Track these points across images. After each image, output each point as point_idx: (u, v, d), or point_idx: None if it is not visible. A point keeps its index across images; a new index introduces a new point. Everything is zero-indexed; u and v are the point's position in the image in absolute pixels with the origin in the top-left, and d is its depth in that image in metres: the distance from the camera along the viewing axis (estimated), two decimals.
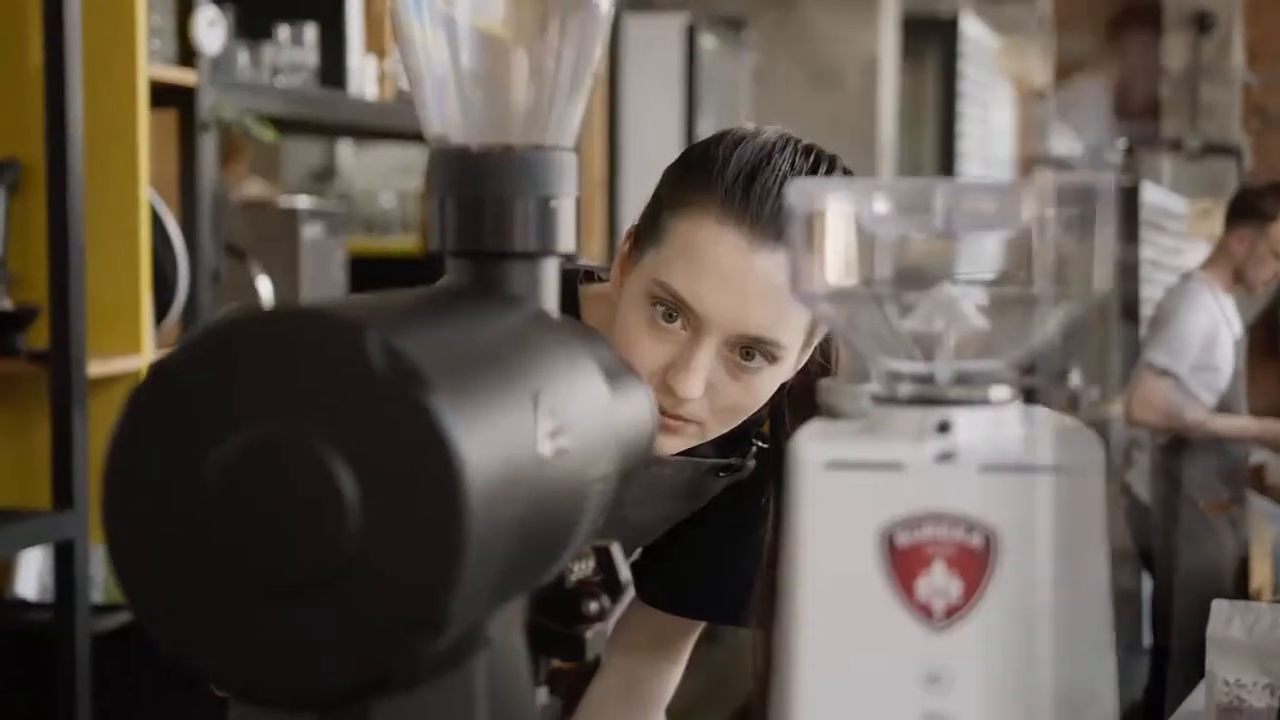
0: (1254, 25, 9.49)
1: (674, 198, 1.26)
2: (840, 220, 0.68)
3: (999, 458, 0.65)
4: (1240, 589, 4.40)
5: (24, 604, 2.79)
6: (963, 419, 0.66)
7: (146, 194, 2.52)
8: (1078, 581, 0.66)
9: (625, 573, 0.84)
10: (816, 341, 1.31)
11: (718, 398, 1.25)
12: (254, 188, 4.65)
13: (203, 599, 0.60)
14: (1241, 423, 4.50)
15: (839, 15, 5.76)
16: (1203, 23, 9.03)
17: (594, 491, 0.72)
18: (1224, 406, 4.45)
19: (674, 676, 1.52)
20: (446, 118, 0.77)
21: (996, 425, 0.67)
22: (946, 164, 7.62)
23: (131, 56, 2.49)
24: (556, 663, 0.86)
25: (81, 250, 2.36)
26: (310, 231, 3.10)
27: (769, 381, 1.27)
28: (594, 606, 0.84)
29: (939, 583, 0.66)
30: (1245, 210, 4.44)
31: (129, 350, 2.53)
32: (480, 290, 0.75)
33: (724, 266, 1.22)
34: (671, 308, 1.23)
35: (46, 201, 2.36)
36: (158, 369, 0.61)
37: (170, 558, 0.61)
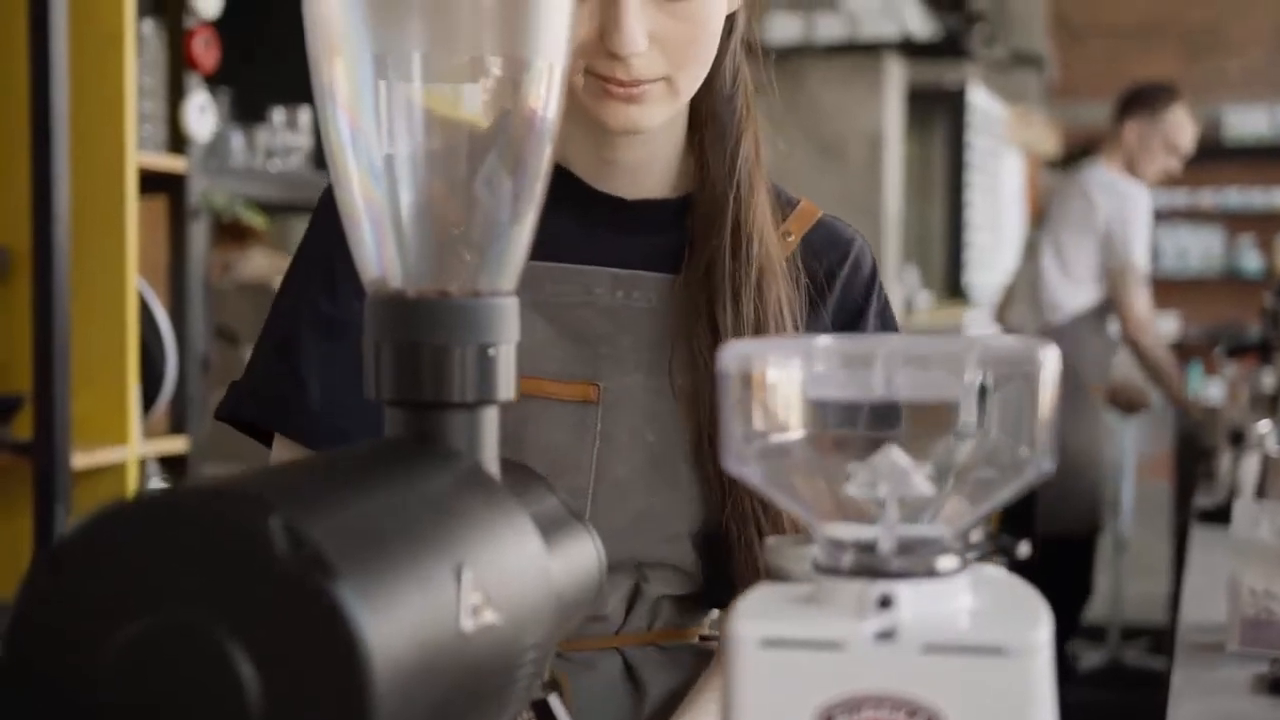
0: None
1: None
2: (776, 382, 0.65)
3: (943, 636, 0.62)
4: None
5: None
6: (906, 592, 0.63)
7: (134, 282, 2.50)
8: None
9: None
10: None
11: (667, 42, 1.18)
12: (259, 260, 4.64)
13: None
14: (1182, 391, 4.64)
15: (844, 89, 5.75)
16: None
17: (527, 660, 0.69)
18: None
19: None
20: (384, 261, 0.74)
21: (942, 599, 0.64)
22: (954, 233, 7.60)
23: (120, 144, 2.47)
24: None
25: (67, 339, 2.33)
26: None
27: (711, 4, 1.20)
28: None
29: None
30: (1140, 102, 4.55)
31: (115, 441, 2.50)
32: (416, 443, 0.72)
33: None
34: None
35: (32, 290, 2.34)
36: (55, 551, 0.59)
37: None
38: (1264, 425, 2.93)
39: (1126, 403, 4.93)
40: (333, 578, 0.55)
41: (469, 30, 0.72)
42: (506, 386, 0.74)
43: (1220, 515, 2.82)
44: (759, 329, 1.24)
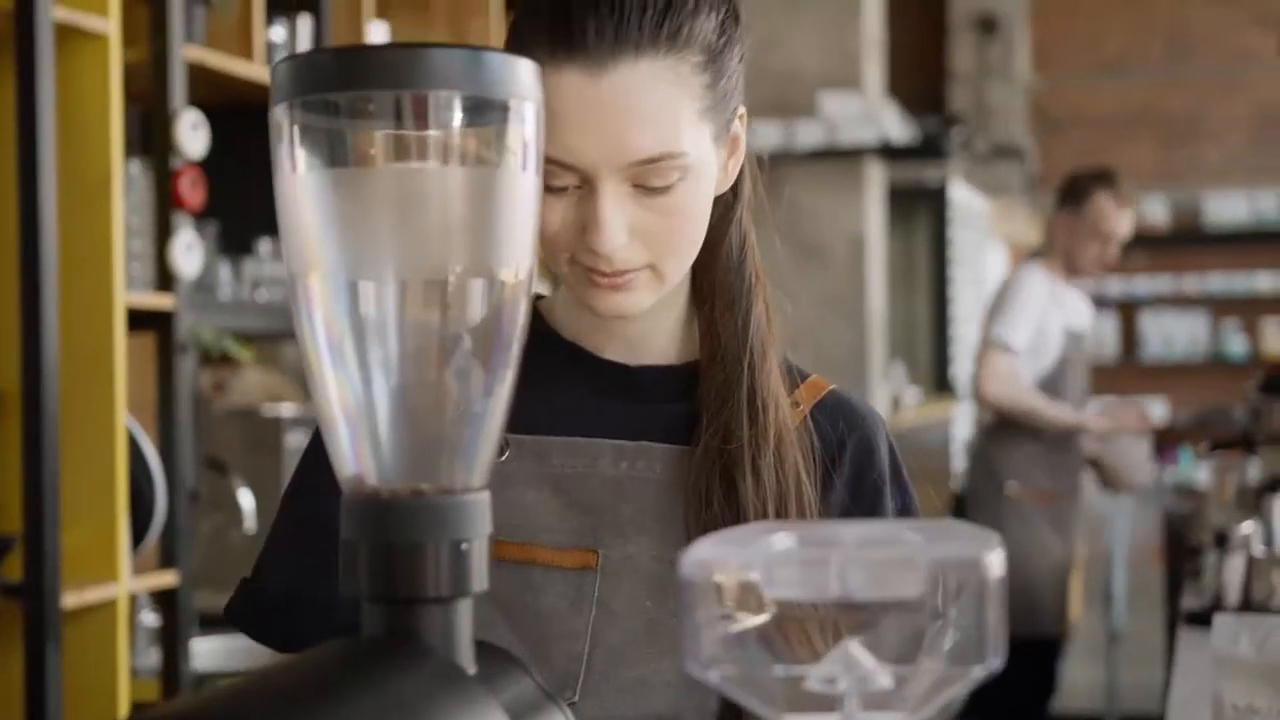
0: (1039, 28, 9.62)
1: None
2: (735, 585, 0.68)
3: None
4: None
5: None
6: None
7: (124, 421, 2.53)
8: None
9: None
10: (736, 122, 1.25)
11: (648, 234, 1.18)
12: (252, 377, 4.66)
13: None
14: (1073, 417, 4.57)
15: (825, 192, 5.82)
16: (988, 25, 9.13)
17: None
18: (1045, 390, 4.58)
19: None
20: (359, 460, 0.77)
21: None
22: (940, 327, 7.66)
23: (109, 284, 2.51)
24: None
25: (56, 481, 2.36)
26: (294, 440, 3.11)
27: (694, 194, 1.19)
28: None
29: None
30: (1066, 194, 4.62)
31: (105, 578, 2.51)
32: (391, 640, 0.75)
33: (575, 108, 1.14)
34: (549, 174, 1.14)
35: (21, 431, 2.36)
36: None
37: None
38: (1247, 526, 2.95)
39: (1107, 481, 4.96)
40: None
41: (439, 246, 0.76)
42: (480, 579, 0.77)
43: (1206, 618, 2.83)
44: (781, 497, 1.24)
